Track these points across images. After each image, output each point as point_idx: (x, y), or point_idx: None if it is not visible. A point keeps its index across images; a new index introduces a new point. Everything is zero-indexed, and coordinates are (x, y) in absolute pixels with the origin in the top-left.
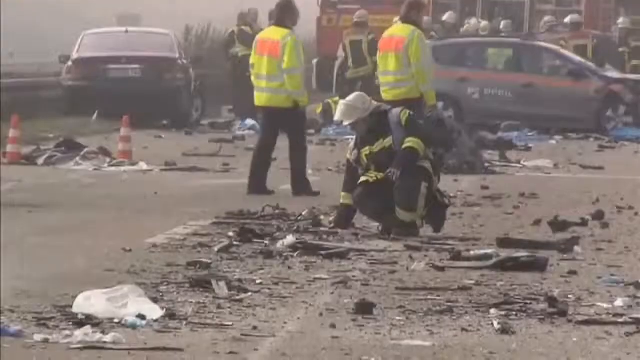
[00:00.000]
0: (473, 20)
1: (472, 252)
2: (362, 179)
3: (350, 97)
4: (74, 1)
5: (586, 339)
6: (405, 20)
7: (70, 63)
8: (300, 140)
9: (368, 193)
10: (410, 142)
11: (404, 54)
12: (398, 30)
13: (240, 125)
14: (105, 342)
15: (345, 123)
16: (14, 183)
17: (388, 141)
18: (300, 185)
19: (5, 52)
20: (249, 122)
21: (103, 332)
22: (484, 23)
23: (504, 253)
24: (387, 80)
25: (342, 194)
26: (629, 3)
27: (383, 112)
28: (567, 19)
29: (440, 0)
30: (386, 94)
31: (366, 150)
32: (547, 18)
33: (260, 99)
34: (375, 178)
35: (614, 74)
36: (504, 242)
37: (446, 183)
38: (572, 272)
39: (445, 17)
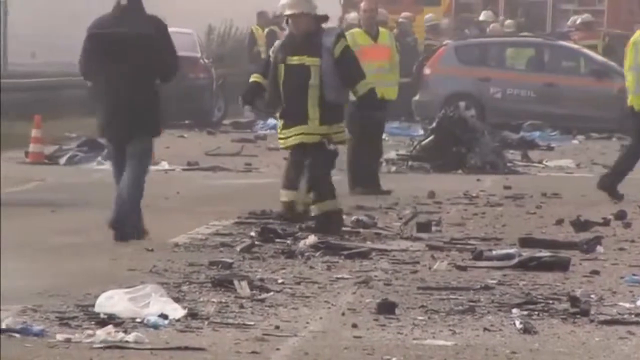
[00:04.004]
0: (487, 14)
1: (494, 252)
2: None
3: None
4: (97, 1)
5: (608, 339)
6: None
7: None
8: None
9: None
10: (362, 86)
11: None
12: None
13: (262, 125)
14: (127, 342)
15: (291, 11)
16: (37, 183)
17: (308, 61)
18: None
19: (28, 52)
20: (271, 121)
21: (125, 332)
22: (508, 21)
23: (526, 253)
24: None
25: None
26: None
27: (320, 29)
28: (578, 19)
29: (462, 4)
30: None
31: (291, 59)
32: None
33: None
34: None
35: None
36: (526, 242)
37: (469, 182)
38: (595, 272)
39: (482, 17)
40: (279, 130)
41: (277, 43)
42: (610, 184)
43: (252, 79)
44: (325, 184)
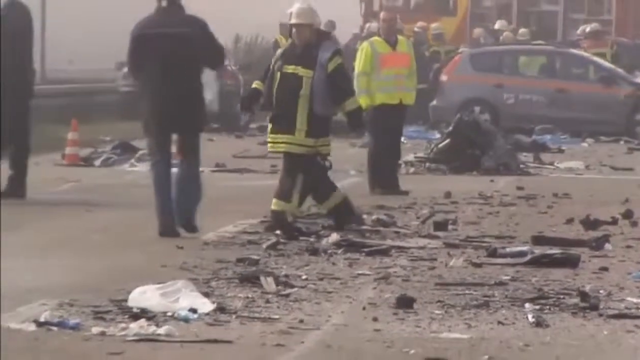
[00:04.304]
0: (501, 23)
1: (507, 249)
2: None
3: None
4: (128, 9)
5: (616, 332)
6: None
7: (125, 69)
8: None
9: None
10: (351, 103)
11: None
12: None
13: None
14: (159, 335)
15: (296, 21)
16: (72, 183)
17: (302, 72)
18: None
19: (65, 60)
20: None
21: (157, 325)
22: (522, 30)
23: (538, 250)
24: None
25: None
26: None
27: (319, 43)
28: (587, 28)
29: (477, 10)
30: None
31: (287, 68)
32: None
33: None
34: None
35: None
36: (538, 240)
37: (483, 183)
38: (603, 269)
39: (497, 26)
40: (268, 134)
41: (279, 51)
42: None
43: (253, 85)
44: (323, 184)
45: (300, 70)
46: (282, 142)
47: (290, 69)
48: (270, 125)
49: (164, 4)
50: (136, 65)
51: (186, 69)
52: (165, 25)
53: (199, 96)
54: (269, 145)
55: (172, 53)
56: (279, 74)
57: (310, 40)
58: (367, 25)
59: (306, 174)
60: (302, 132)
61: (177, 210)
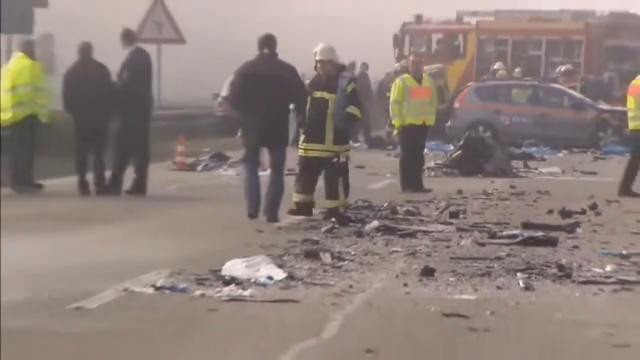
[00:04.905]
0: (499, 64)
1: (503, 233)
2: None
3: (330, 45)
4: (223, 58)
5: (585, 294)
6: None
7: (220, 99)
8: None
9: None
10: (353, 109)
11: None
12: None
13: None
14: (244, 296)
15: (320, 57)
16: (181, 184)
17: (327, 96)
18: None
19: (174, 90)
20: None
21: (243, 289)
22: (517, 70)
23: (527, 233)
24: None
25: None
26: (614, 56)
27: (339, 74)
28: (563, 68)
29: (481, 55)
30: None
31: (316, 93)
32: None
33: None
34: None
35: (604, 106)
36: (526, 226)
37: (485, 183)
38: (575, 247)
39: (495, 66)
40: (300, 143)
41: (307, 81)
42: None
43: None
44: (334, 188)
45: (326, 95)
46: (314, 150)
47: (318, 94)
48: (303, 137)
49: (265, 51)
50: (240, 96)
51: (278, 102)
52: (266, 68)
53: (286, 122)
54: (300, 151)
55: (269, 90)
56: (310, 98)
57: (331, 72)
58: (395, 65)
59: (329, 169)
60: (330, 141)
61: (265, 206)
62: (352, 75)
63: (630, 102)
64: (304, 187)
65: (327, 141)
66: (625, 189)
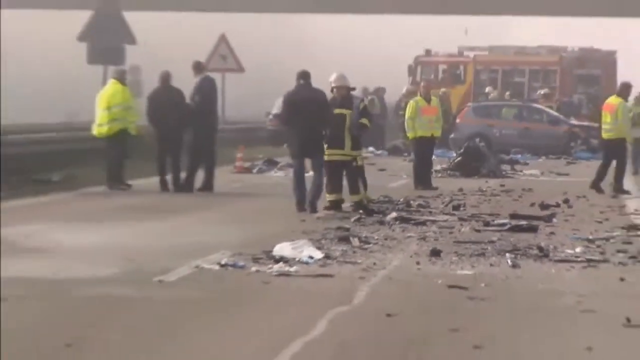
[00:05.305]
0: (489, 88)
1: (495, 221)
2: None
3: (343, 73)
4: (272, 86)
5: (560, 270)
6: (618, 95)
7: (271, 116)
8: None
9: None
10: (365, 120)
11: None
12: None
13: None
14: (291, 271)
15: (336, 84)
16: (240, 183)
17: (345, 112)
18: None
19: (237, 109)
20: (369, 148)
21: (290, 266)
22: (507, 93)
23: (514, 222)
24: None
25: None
26: (582, 82)
27: (350, 95)
28: (542, 92)
29: (477, 81)
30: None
31: (336, 110)
32: (541, 91)
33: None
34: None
35: (575, 122)
36: (514, 216)
37: (481, 183)
38: (552, 233)
39: (487, 90)
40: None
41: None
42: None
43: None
44: (356, 185)
45: (344, 111)
46: (335, 155)
47: (337, 111)
48: (326, 145)
49: (302, 82)
50: (288, 117)
51: (314, 120)
52: (303, 94)
53: (321, 135)
54: (325, 157)
55: (309, 111)
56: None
57: (345, 95)
58: (405, 88)
59: (349, 170)
60: (348, 147)
61: (309, 200)
62: (361, 97)
63: (606, 117)
64: (334, 188)
65: (346, 147)
66: (595, 185)
